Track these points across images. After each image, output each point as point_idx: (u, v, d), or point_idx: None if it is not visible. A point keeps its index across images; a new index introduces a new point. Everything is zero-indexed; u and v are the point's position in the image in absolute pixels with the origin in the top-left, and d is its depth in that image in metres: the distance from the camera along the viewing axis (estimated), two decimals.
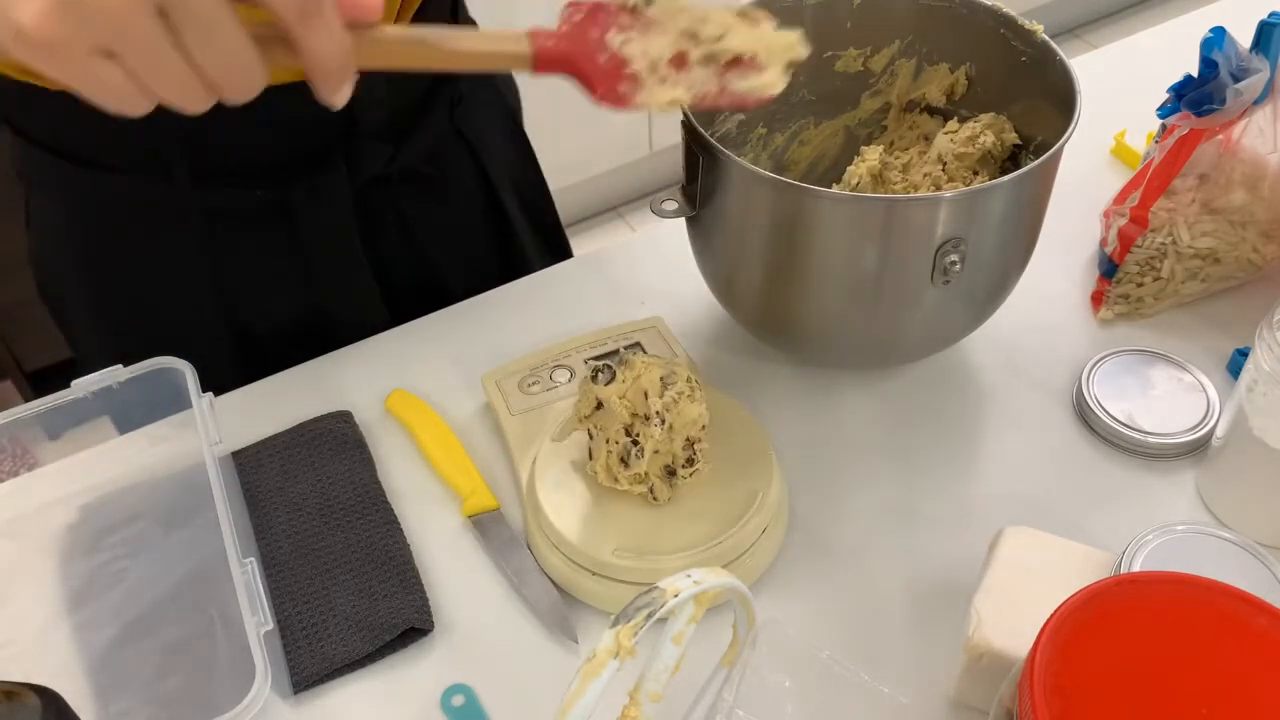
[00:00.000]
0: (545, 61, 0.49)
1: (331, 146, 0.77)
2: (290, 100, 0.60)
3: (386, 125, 0.78)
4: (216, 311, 0.81)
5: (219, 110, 0.45)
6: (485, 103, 0.88)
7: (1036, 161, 0.62)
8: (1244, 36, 0.74)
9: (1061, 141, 0.63)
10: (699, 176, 0.68)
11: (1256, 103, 0.75)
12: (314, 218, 0.79)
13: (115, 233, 0.79)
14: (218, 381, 0.75)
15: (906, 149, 0.80)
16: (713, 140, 0.65)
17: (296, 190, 0.77)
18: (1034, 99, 0.71)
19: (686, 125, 0.67)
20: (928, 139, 0.79)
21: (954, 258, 0.63)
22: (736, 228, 0.69)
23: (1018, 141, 0.75)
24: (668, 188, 0.72)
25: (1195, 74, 0.73)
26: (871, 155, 0.77)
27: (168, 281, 0.80)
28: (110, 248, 0.79)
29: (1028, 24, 0.71)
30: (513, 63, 0.49)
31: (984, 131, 0.74)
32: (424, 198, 0.84)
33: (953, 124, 0.77)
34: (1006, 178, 0.62)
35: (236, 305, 0.82)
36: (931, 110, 0.80)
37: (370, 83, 0.60)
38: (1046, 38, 0.70)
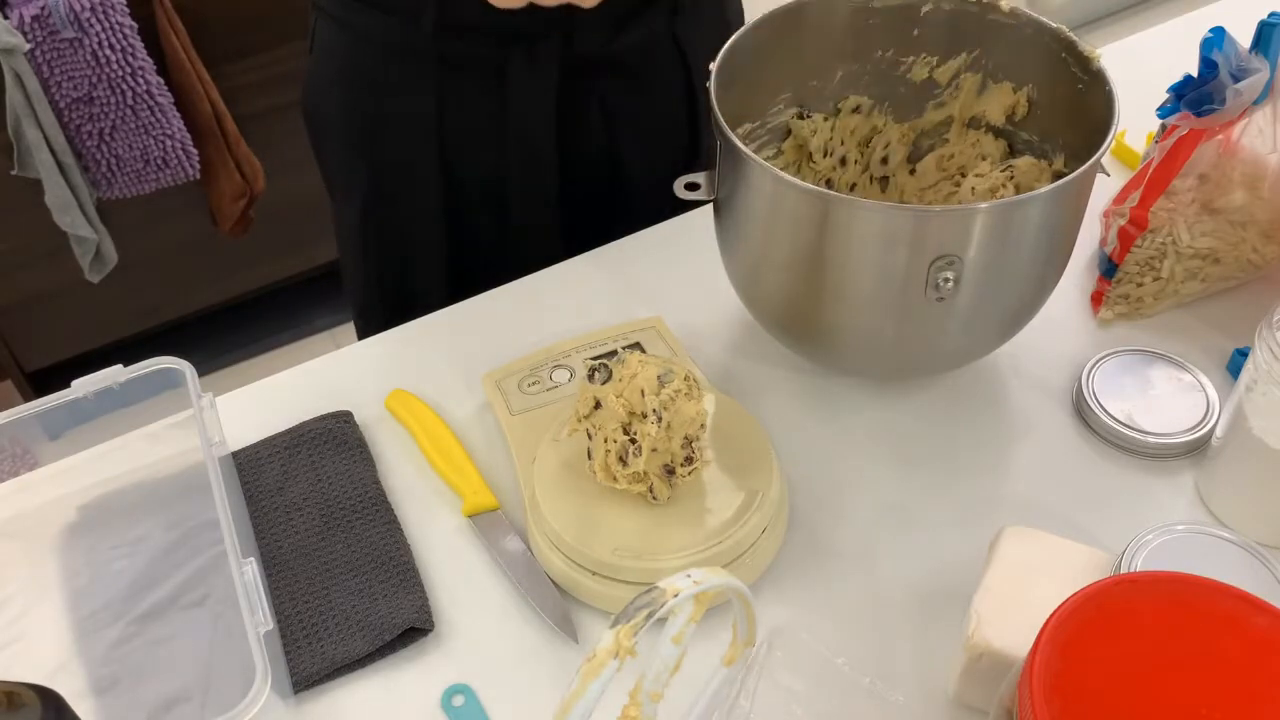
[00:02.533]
0: None
1: (553, 23, 0.83)
2: None
3: (605, 15, 0.84)
4: (434, 148, 0.91)
5: None
6: (707, 17, 0.95)
7: (1033, 193, 0.62)
8: (1244, 36, 0.74)
9: (1069, 178, 0.62)
10: (716, 162, 0.69)
11: (1256, 103, 0.75)
12: (523, 82, 0.87)
13: (370, 62, 0.90)
14: (428, 226, 0.93)
15: (963, 165, 0.80)
16: (731, 133, 0.66)
17: (515, 54, 0.86)
18: (1083, 129, 0.69)
19: (713, 116, 0.67)
20: (985, 159, 0.79)
21: (948, 275, 0.63)
22: (748, 220, 0.69)
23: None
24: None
25: (1195, 74, 0.73)
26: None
27: (401, 113, 0.90)
28: (364, 74, 0.91)
29: (1087, 50, 0.70)
30: None
31: (1005, 185, 0.73)
32: (629, 92, 0.92)
33: (985, 165, 0.76)
34: (1000, 200, 0.62)
35: (448, 148, 0.91)
36: (994, 131, 0.79)
37: None
38: (1103, 67, 0.68)
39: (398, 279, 0.99)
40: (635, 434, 0.63)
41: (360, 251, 1.00)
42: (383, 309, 0.99)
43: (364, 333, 1.03)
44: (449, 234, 0.95)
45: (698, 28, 0.92)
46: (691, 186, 0.72)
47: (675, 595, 0.47)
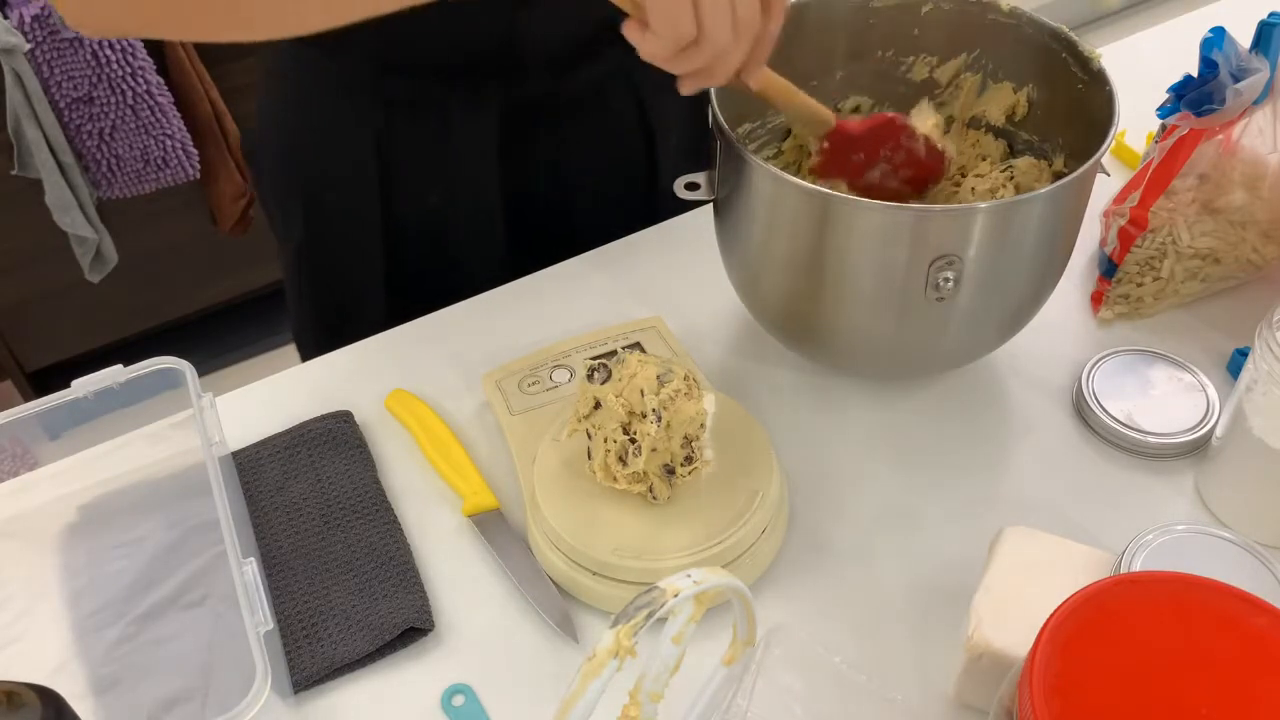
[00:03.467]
0: (839, 131, 0.71)
1: (494, 66, 0.82)
2: (461, 15, 0.72)
3: (549, 58, 0.83)
4: (374, 188, 0.88)
5: (407, 14, 0.56)
6: None
7: (1033, 193, 0.62)
8: (1244, 36, 0.74)
9: (1069, 178, 0.62)
10: (716, 162, 0.69)
11: (1256, 103, 0.75)
12: (464, 126, 0.84)
13: (311, 100, 0.88)
14: (366, 265, 0.90)
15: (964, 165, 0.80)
16: (731, 133, 0.66)
17: (457, 95, 0.83)
18: (1083, 129, 0.69)
19: (713, 116, 0.68)
20: (985, 159, 0.79)
21: (948, 275, 0.63)
22: (748, 220, 0.69)
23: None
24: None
25: (1195, 74, 0.73)
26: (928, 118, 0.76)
27: (342, 152, 0.88)
28: (306, 112, 0.89)
29: (1087, 50, 0.70)
30: (819, 124, 0.71)
31: (1005, 185, 0.73)
32: (578, 132, 0.89)
33: (985, 165, 0.76)
34: (999, 200, 0.62)
35: (389, 188, 0.88)
36: (994, 131, 0.79)
37: (534, 16, 0.78)
38: (1103, 67, 0.68)
39: (334, 315, 0.95)
40: (635, 434, 0.63)
41: (296, 289, 0.97)
42: (320, 339, 0.93)
43: (305, 356, 0.99)
44: (388, 272, 0.91)
45: (657, 69, 0.90)
46: (691, 186, 0.72)
47: (675, 595, 0.47)
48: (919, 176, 0.74)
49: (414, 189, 0.88)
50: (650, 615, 0.46)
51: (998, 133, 0.79)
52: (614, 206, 0.93)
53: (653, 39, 0.57)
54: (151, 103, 1.62)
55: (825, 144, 0.72)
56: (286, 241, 0.96)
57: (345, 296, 0.95)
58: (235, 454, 0.74)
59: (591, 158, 0.91)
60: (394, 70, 0.82)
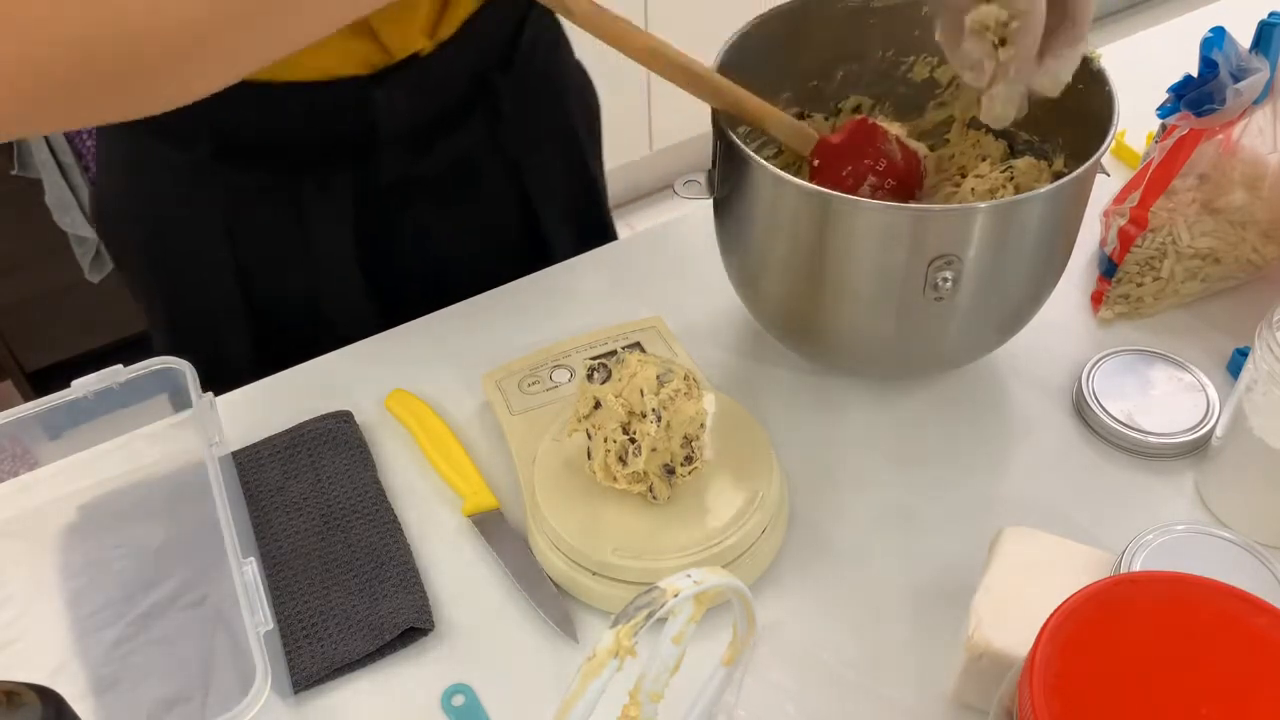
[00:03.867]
0: (822, 145, 0.72)
1: (347, 148, 0.79)
2: (309, 94, 0.71)
3: (408, 135, 0.80)
4: (234, 282, 0.84)
5: (241, 92, 0.50)
6: (543, 116, 0.88)
7: (1033, 193, 0.62)
8: (1244, 36, 0.74)
9: (1069, 178, 0.62)
10: (716, 162, 0.69)
11: (1256, 103, 0.75)
12: (319, 211, 0.81)
13: (155, 186, 0.83)
14: (233, 355, 0.85)
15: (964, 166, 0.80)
16: (732, 133, 0.66)
17: (306, 183, 0.79)
18: (1082, 128, 0.69)
19: (714, 116, 0.68)
20: (985, 159, 0.79)
21: (947, 275, 0.63)
22: (748, 219, 0.69)
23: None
24: (662, 190, 0.72)
25: (1195, 74, 0.73)
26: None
27: (195, 244, 0.84)
28: (150, 198, 0.84)
29: (1087, 50, 0.69)
30: (803, 141, 0.72)
31: (1005, 185, 0.73)
32: (444, 209, 0.86)
33: (985, 165, 0.76)
34: (999, 200, 0.62)
35: (252, 280, 0.85)
36: (994, 131, 0.78)
37: (392, 92, 0.74)
38: (1103, 67, 0.68)
39: (205, 371, 0.85)
40: (635, 434, 0.63)
41: (166, 349, 0.94)
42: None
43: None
44: (257, 338, 0.87)
45: (529, 130, 0.87)
46: (691, 186, 0.72)
47: (675, 595, 0.47)
48: (903, 185, 0.74)
49: (271, 272, 0.85)
50: (650, 615, 0.46)
51: (998, 133, 0.79)
52: (492, 269, 0.89)
53: None
54: None
55: (815, 162, 0.72)
56: (152, 328, 0.93)
57: (213, 364, 0.85)
58: (235, 454, 0.74)
59: (462, 228, 0.87)
60: (239, 157, 0.78)
